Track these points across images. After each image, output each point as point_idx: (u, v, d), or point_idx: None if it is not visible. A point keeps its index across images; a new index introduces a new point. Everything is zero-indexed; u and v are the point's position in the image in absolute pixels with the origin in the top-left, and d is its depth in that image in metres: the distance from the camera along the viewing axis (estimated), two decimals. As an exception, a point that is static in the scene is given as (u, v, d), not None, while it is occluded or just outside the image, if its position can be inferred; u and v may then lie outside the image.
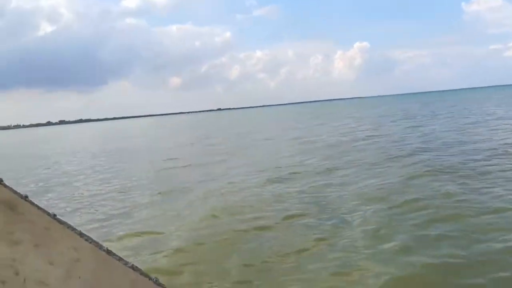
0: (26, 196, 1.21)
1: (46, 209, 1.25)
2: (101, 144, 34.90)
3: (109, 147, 29.26)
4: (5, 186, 1.19)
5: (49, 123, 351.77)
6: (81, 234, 1.27)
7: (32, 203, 1.22)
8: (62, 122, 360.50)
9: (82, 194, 11.49)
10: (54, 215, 1.24)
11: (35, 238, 1.18)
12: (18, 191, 1.22)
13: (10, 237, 1.14)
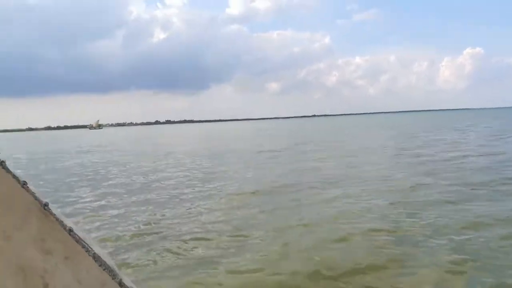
0: (46, 204, 1.09)
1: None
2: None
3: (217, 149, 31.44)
4: (28, 190, 1.08)
5: (157, 122, 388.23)
6: (94, 257, 1.07)
7: (51, 213, 1.09)
8: (168, 122, 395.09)
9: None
10: (70, 229, 1.08)
11: (66, 250, 1.08)
12: (39, 198, 1.09)
13: (43, 245, 1.05)
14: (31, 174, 18.39)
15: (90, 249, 1.07)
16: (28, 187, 1.08)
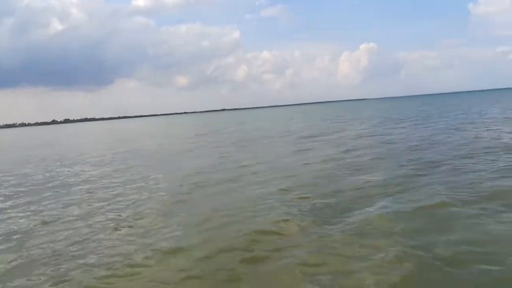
0: None
1: None
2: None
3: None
4: None
5: (54, 122, 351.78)
6: None
7: None
8: (67, 121, 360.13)
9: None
10: None
11: None
12: None
13: None
14: None
15: None
16: None
